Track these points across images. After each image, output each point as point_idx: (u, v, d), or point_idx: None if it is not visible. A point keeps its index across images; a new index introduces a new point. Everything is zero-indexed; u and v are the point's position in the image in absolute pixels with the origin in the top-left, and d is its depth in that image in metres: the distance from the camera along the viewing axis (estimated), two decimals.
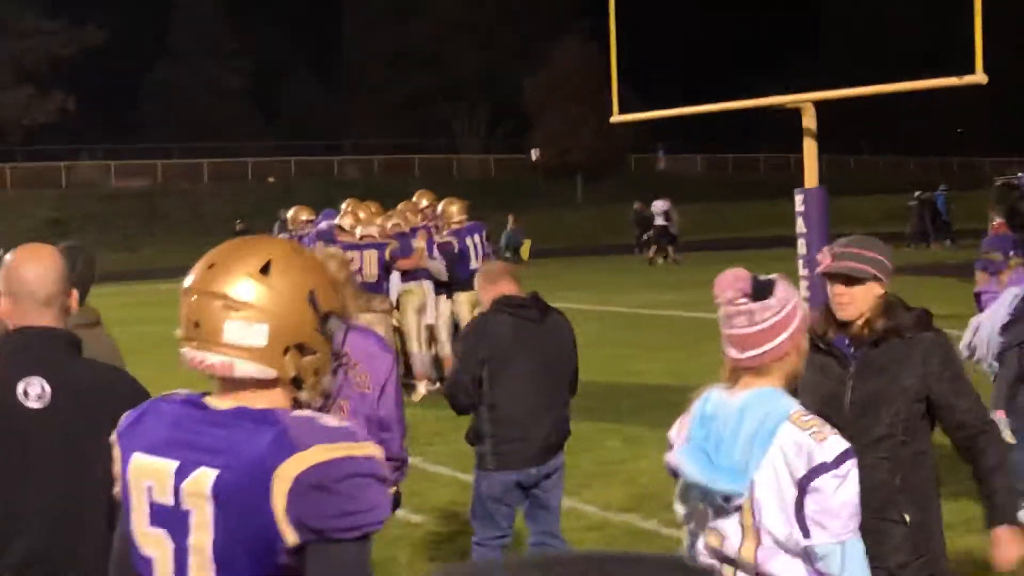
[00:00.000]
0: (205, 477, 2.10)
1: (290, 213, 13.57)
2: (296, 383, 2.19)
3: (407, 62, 65.51)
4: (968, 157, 69.36)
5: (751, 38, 72.77)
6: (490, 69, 63.53)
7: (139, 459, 2.19)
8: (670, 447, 3.08)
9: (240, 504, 2.07)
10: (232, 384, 2.18)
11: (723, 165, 67.21)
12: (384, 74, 66.44)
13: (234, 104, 68.14)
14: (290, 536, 2.05)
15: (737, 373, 2.97)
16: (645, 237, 35.85)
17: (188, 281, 2.18)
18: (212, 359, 2.14)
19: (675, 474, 3.05)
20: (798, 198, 18.37)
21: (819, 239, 18.16)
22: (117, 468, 2.25)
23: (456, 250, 12.36)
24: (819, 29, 75.70)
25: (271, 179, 56.57)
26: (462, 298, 12.48)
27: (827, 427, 2.89)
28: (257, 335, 2.13)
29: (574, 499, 7.44)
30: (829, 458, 2.81)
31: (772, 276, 3.01)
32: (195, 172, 55.70)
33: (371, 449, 2.14)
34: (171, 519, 2.14)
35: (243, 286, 2.13)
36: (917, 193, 34.85)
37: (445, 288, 12.51)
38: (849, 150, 66.05)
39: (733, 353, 2.95)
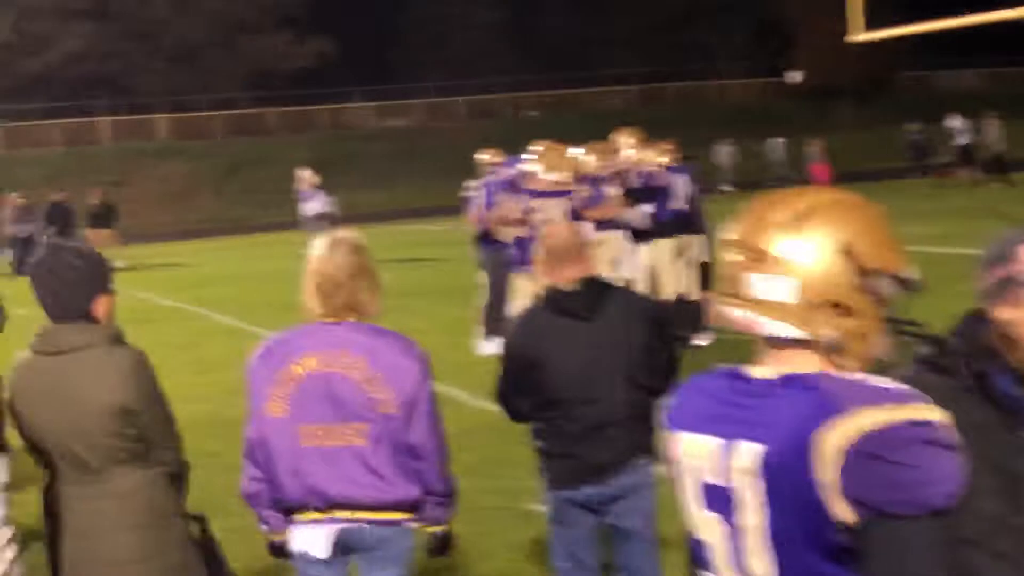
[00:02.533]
0: (750, 452, 1.99)
1: (480, 156, 12.74)
2: (835, 348, 2.01)
3: None
4: None
5: None
6: None
7: (687, 439, 2.14)
8: None
9: (789, 480, 1.94)
10: (769, 347, 2.07)
11: (1002, 79, 62.34)
12: None
13: (491, 39, 67.86)
14: (844, 514, 1.90)
15: None
16: (949, 160, 33.36)
17: (726, 234, 2.13)
18: (739, 315, 2.07)
19: None
20: None
21: None
22: (671, 451, 2.19)
23: (661, 184, 11.36)
24: None
25: (533, 113, 56.09)
26: (662, 245, 11.44)
27: None
28: (784, 291, 2.01)
29: None
30: None
31: None
32: (452, 109, 55.90)
33: (932, 412, 1.91)
34: (723, 500, 2.06)
35: (772, 238, 2.03)
36: None
37: (644, 236, 11.45)
38: None
39: None
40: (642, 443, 4.58)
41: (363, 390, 3.80)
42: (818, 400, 1.93)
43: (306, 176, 24.80)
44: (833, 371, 2.01)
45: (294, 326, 4.04)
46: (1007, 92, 58.40)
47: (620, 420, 4.51)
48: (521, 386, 4.58)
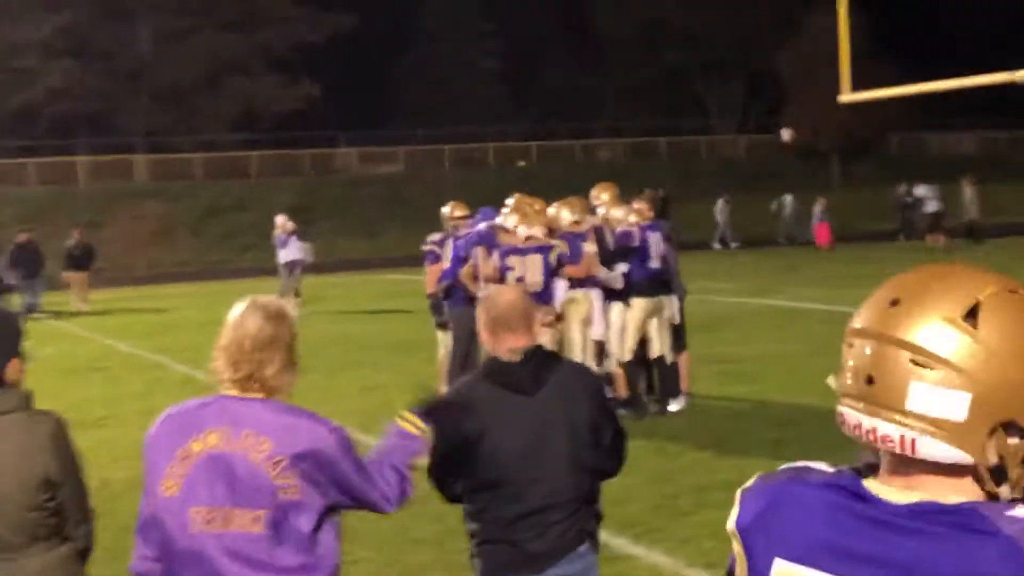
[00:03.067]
0: None
1: (445, 209, 12.30)
2: (995, 473, 1.60)
3: (662, 37, 63.32)
4: None
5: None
6: (745, 44, 60.67)
7: (787, 570, 1.67)
8: None
9: None
10: (905, 465, 1.64)
11: (995, 143, 62.46)
12: (638, 51, 64.51)
13: (481, 88, 67.91)
14: None
15: None
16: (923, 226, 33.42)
17: (860, 320, 1.67)
18: (887, 430, 1.61)
19: None
20: None
21: None
22: (742, 569, 1.74)
23: (636, 244, 10.91)
24: None
25: (521, 163, 55.86)
26: (636, 305, 10.98)
27: None
28: (955, 406, 1.58)
29: None
30: None
31: None
32: (438, 158, 55.69)
33: None
34: None
35: (941, 336, 1.59)
36: None
37: (617, 295, 10.99)
38: None
39: None
40: (585, 529, 4.22)
41: (265, 474, 3.44)
42: (1007, 551, 1.54)
43: (281, 222, 24.33)
44: (984, 499, 1.63)
45: (199, 397, 3.65)
46: (999, 154, 58.57)
47: (563, 503, 4.14)
48: (455, 464, 4.17)
